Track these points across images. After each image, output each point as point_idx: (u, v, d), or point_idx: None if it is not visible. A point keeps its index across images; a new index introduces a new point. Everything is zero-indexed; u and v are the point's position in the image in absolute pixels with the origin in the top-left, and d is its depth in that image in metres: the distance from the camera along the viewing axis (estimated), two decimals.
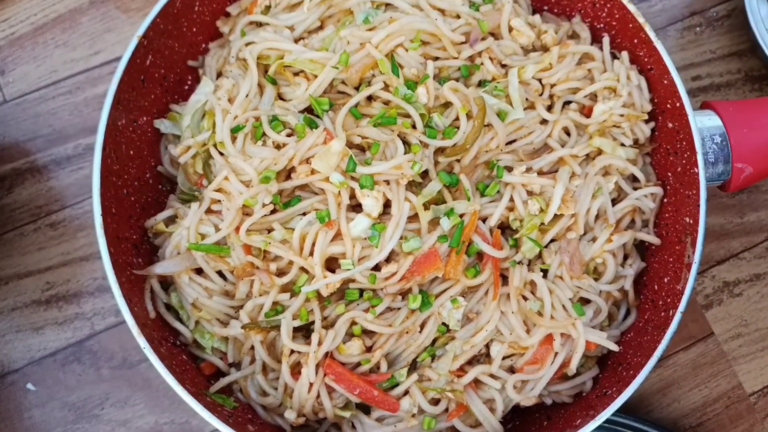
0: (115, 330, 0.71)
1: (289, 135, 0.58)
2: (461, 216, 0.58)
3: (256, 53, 0.60)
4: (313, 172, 0.56)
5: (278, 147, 0.57)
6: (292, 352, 0.56)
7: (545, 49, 0.64)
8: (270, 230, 0.57)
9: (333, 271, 0.57)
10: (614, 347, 0.58)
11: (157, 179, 0.64)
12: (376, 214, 0.56)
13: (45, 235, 0.73)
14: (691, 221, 0.58)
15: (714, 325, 0.77)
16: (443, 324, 0.58)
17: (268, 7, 0.64)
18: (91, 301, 0.72)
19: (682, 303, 0.56)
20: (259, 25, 0.65)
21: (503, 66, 0.63)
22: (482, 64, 0.62)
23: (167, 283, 0.60)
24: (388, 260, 0.57)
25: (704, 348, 0.77)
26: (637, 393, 0.75)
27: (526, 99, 0.62)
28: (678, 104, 0.60)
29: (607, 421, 0.69)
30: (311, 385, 0.55)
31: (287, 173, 0.58)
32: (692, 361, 0.76)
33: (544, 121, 0.63)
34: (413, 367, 0.58)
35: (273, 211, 0.57)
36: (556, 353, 0.57)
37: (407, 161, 0.56)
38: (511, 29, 0.63)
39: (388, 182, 0.57)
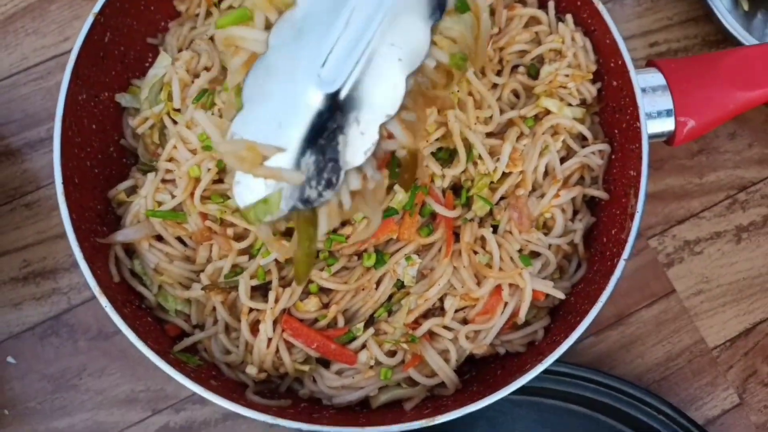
0: (90, 303, 0.74)
1: None
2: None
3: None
4: None
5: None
6: (251, 310, 0.58)
7: (492, 12, 0.66)
8: (226, 198, 0.59)
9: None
10: (560, 295, 0.60)
11: (120, 153, 0.66)
12: None
13: (21, 215, 0.76)
14: (635, 173, 0.60)
15: (675, 282, 0.79)
16: (399, 281, 0.60)
17: None
18: (67, 276, 0.74)
19: (625, 251, 0.58)
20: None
21: None
22: None
23: (131, 250, 0.62)
24: (343, 224, 0.59)
25: (666, 305, 0.78)
26: (601, 350, 0.78)
27: None
28: (620, 62, 0.62)
29: (572, 375, 0.71)
30: (270, 340, 0.57)
31: None
32: (655, 317, 0.78)
33: (494, 86, 0.65)
34: (370, 322, 0.61)
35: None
36: (506, 303, 0.59)
37: None
38: None
39: None
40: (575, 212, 0.65)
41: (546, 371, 0.71)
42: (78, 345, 0.73)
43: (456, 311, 0.60)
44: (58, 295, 0.74)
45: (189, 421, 0.72)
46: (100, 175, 0.63)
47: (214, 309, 0.60)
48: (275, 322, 0.57)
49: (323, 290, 0.60)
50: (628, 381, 0.72)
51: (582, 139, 0.66)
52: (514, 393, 0.72)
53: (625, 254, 0.58)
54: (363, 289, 0.60)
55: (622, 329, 0.77)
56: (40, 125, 0.78)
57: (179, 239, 0.61)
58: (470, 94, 0.59)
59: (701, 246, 0.80)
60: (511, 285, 0.59)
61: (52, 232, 0.75)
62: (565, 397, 0.72)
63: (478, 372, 0.62)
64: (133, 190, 0.63)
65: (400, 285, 0.61)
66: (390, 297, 0.61)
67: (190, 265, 0.60)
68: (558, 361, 0.72)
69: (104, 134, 0.64)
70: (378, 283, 0.60)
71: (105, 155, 0.64)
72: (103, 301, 0.54)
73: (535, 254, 0.62)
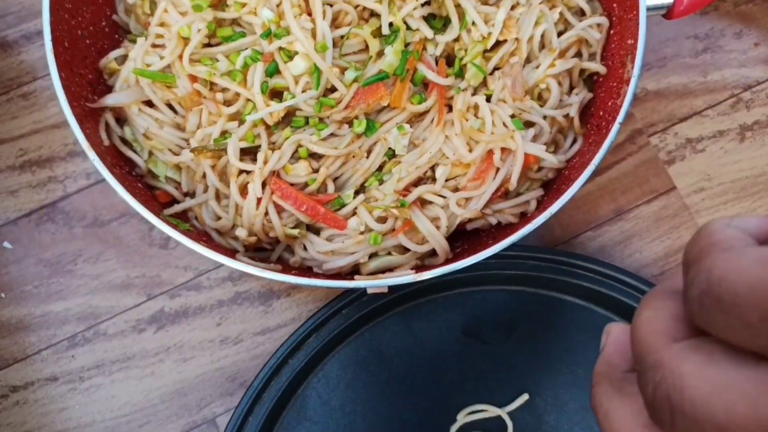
0: (86, 191, 0.74)
1: None
2: (407, 45, 0.59)
3: None
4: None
5: None
6: (240, 173, 0.58)
7: None
8: (216, 60, 0.59)
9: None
10: (553, 159, 0.59)
11: (113, 29, 0.66)
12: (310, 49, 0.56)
13: (17, 105, 0.76)
14: (632, 41, 0.59)
15: (676, 179, 0.78)
16: (390, 150, 0.60)
17: None
18: (63, 165, 0.75)
19: (620, 114, 0.56)
20: None
21: None
22: None
23: (122, 120, 0.62)
24: (333, 89, 0.59)
25: (666, 201, 0.77)
26: (599, 244, 0.77)
27: None
28: None
29: (570, 264, 0.71)
30: (259, 201, 0.57)
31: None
32: (654, 213, 0.77)
33: None
34: (361, 191, 0.60)
35: (218, 44, 0.59)
36: (497, 169, 0.58)
37: None
38: None
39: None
40: (572, 88, 0.64)
41: (543, 259, 0.71)
42: (74, 231, 0.73)
43: (447, 180, 0.59)
44: (53, 183, 0.74)
45: (184, 307, 0.72)
46: (92, 46, 0.63)
47: (204, 176, 0.60)
48: (264, 184, 0.57)
49: (313, 156, 0.59)
50: (629, 272, 0.71)
51: (580, 15, 0.65)
52: (510, 284, 0.73)
53: (620, 117, 0.56)
54: (353, 157, 0.59)
55: (621, 224, 0.76)
56: (36, 17, 0.78)
57: (169, 106, 0.60)
58: None
59: (703, 144, 0.79)
60: (503, 150, 0.58)
61: (48, 122, 0.76)
62: (560, 287, 0.72)
63: (470, 245, 0.61)
64: (124, 60, 0.62)
65: (391, 155, 0.60)
66: (381, 168, 0.61)
67: (180, 133, 0.60)
68: (555, 251, 0.72)
69: (96, 8, 0.63)
70: (369, 152, 0.60)
71: (97, 28, 0.63)
72: (91, 154, 0.54)
73: (529, 125, 0.61)
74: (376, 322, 0.71)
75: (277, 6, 0.56)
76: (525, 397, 0.70)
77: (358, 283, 0.53)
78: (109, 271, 0.72)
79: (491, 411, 0.70)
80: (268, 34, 0.56)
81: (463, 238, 0.62)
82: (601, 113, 0.62)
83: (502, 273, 0.71)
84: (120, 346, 0.71)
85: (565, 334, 0.72)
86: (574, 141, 0.64)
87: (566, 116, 0.62)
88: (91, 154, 0.53)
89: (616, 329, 0.28)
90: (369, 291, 0.55)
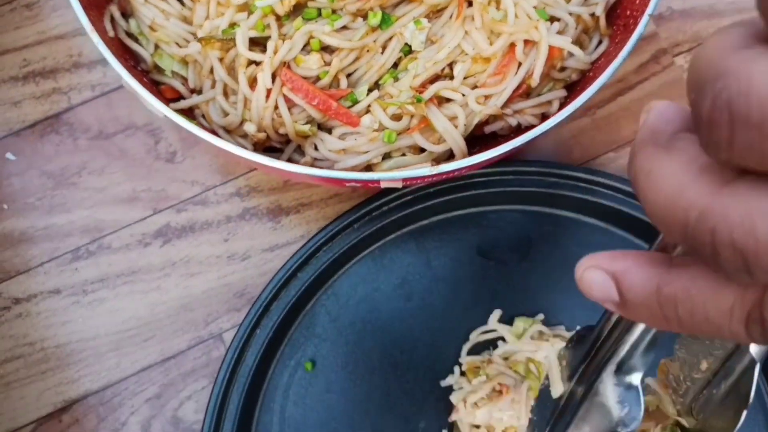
0: (91, 103, 0.72)
1: None
2: None
3: None
4: None
5: None
6: (250, 64, 0.55)
7: None
8: None
9: None
10: (578, 52, 0.56)
11: None
12: None
13: (21, 15, 0.74)
14: None
15: None
16: (406, 46, 0.57)
17: None
18: (68, 76, 0.72)
19: (650, 6, 0.53)
20: None
21: None
22: None
23: (127, 15, 0.60)
24: None
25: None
26: (621, 165, 0.74)
27: None
28: None
29: (589, 181, 0.68)
30: (269, 93, 0.55)
31: None
32: None
33: None
34: (375, 89, 0.58)
35: None
36: (519, 63, 0.55)
37: None
38: None
39: None
40: None
41: (562, 176, 0.68)
42: (78, 143, 0.71)
43: (466, 78, 0.57)
44: (58, 95, 0.72)
45: (190, 222, 0.70)
46: None
47: (212, 71, 0.57)
48: (274, 77, 0.55)
49: (325, 50, 0.57)
50: None
51: None
52: (527, 203, 0.70)
53: (650, 9, 0.53)
54: (368, 51, 0.57)
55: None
56: None
57: None
58: None
59: None
60: (526, 43, 0.55)
61: (52, 33, 0.73)
62: (579, 206, 0.69)
63: (488, 149, 0.59)
64: None
65: (407, 51, 0.58)
66: (396, 66, 0.58)
67: (187, 26, 0.58)
68: (575, 167, 0.69)
69: None
70: (384, 48, 0.57)
71: None
72: (95, 37, 0.51)
73: (553, 21, 0.58)
74: (388, 239, 0.69)
75: None
76: (540, 317, 0.68)
77: (371, 174, 0.51)
78: (114, 184, 0.70)
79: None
80: None
81: (480, 143, 0.60)
82: (629, 12, 0.59)
83: (519, 190, 0.68)
84: (125, 259, 0.69)
85: (582, 254, 0.69)
86: (599, 43, 0.61)
87: (592, 15, 0.59)
88: (95, 37, 0.51)
89: (659, 104, 0.23)
90: (383, 185, 0.52)
